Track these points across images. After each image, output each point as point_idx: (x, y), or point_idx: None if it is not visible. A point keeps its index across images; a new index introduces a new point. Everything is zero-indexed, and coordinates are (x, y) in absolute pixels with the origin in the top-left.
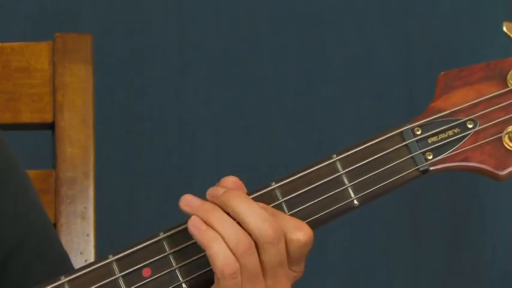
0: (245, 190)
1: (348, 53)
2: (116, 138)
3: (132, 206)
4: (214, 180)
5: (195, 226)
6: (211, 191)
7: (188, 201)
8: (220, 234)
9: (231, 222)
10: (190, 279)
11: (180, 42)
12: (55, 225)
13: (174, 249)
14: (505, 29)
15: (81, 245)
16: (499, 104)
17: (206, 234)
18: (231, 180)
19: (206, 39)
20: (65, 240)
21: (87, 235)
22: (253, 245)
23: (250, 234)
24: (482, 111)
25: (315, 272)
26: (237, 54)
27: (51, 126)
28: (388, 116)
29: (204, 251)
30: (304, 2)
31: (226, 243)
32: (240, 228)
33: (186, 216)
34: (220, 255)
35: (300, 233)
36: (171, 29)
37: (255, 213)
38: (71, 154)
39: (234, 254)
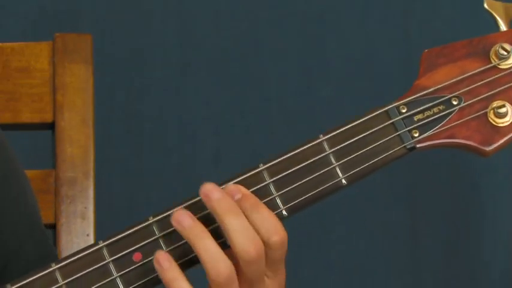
0: (244, 190)
1: (348, 53)
2: (116, 138)
3: (132, 206)
4: (214, 181)
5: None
6: (206, 191)
7: (179, 219)
8: (201, 260)
9: (212, 253)
10: (180, 262)
11: (180, 42)
12: (55, 225)
13: (163, 233)
14: (486, 5)
15: (81, 245)
16: (483, 80)
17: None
18: (234, 189)
19: (206, 39)
20: (65, 240)
21: (87, 235)
22: (232, 275)
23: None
24: (467, 87)
25: (313, 272)
26: (237, 54)
27: (51, 126)
28: None
29: None
30: (304, 2)
31: (206, 271)
32: (220, 258)
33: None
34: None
35: (276, 236)
36: (171, 29)
37: (238, 227)
38: (71, 154)
39: (213, 284)
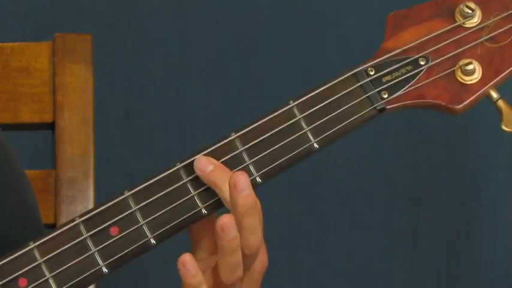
0: (214, 160)
1: (348, 53)
2: (116, 138)
3: None
4: None
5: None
6: (240, 185)
7: (225, 226)
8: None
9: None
10: (158, 233)
11: (180, 42)
12: (55, 225)
13: (139, 205)
14: None
15: None
16: (449, 39)
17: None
18: (204, 162)
19: (206, 39)
20: None
21: None
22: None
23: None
24: (433, 47)
25: (313, 273)
26: (237, 54)
27: (51, 126)
28: (388, 115)
29: (169, 204)
30: (304, 2)
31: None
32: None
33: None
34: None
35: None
36: (171, 29)
37: (254, 232)
38: (71, 154)
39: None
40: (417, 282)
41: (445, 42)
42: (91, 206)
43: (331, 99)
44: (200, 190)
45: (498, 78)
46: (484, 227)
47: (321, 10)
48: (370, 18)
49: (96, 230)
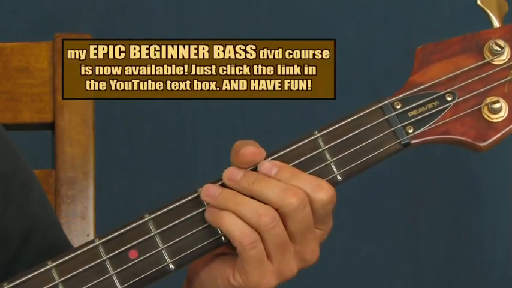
0: (264, 154)
1: (348, 53)
2: (116, 138)
3: (132, 206)
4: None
5: (210, 213)
6: (229, 174)
7: (209, 192)
8: (237, 214)
9: (247, 201)
10: (177, 259)
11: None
12: None
13: (160, 230)
14: (478, 1)
15: None
16: (477, 76)
17: (218, 215)
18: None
19: (206, 39)
20: None
21: (87, 235)
22: (276, 216)
23: (276, 208)
24: (461, 83)
25: (314, 275)
26: None
27: (51, 126)
28: None
29: (189, 230)
30: (304, 2)
31: (246, 221)
32: (259, 203)
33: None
34: (234, 228)
35: (322, 192)
36: (171, 29)
37: (272, 187)
38: (71, 154)
39: (257, 229)
40: (418, 282)
41: (473, 79)
42: (91, 206)
43: (356, 132)
44: None
45: None
46: (484, 227)
47: (321, 10)
48: (370, 18)
49: (115, 252)
